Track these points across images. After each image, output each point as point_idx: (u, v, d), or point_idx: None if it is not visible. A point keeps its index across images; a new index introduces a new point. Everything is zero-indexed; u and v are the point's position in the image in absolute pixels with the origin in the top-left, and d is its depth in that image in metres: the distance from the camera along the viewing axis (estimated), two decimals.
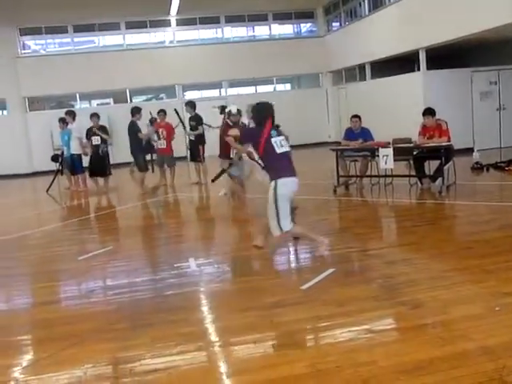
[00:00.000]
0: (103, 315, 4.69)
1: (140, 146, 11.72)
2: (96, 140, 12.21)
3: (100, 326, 4.39)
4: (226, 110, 9.34)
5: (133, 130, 11.58)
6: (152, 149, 12.38)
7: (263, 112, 5.72)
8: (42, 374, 3.64)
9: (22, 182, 16.95)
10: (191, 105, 12.29)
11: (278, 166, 5.54)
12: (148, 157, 12.26)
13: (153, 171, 12.25)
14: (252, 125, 6.75)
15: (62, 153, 13.02)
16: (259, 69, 19.58)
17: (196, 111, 12.22)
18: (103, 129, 12.46)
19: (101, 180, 12.57)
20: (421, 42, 14.03)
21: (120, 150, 15.49)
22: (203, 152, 12.13)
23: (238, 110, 9.19)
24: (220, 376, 3.45)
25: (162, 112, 12.38)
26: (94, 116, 12.44)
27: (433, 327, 3.90)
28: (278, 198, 5.39)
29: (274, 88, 21.26)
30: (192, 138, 12.21)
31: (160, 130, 12.12)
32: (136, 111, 11.76)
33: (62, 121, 13.05)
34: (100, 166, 12.30)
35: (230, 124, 8.90)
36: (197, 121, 12.11)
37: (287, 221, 5.48)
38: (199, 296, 5.09)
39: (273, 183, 5.45)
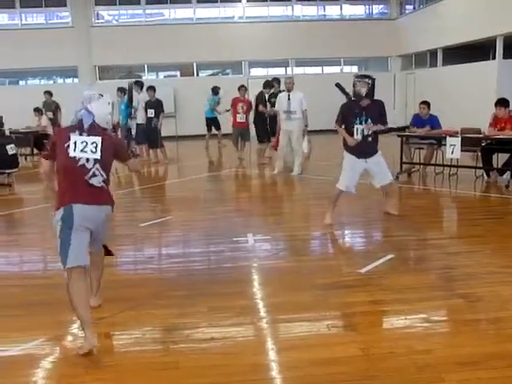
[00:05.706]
0: (161, 282, 4.83)
1: (262, 117, 11.84)
2: (150, 113, 12.41)
3: (158, 292, 4.51)
4: None
5: (259, 100, 11.78)
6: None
7: None
8: (101, 333, 3.77)
9: None
10: (269, 85, 12.02)
11: None
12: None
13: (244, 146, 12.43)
14: None
15: (118, 123, 13.25)
16: (327, 49, 19.32)
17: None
18: (159, 103, 12.59)
19: (153, 151, 12.80)
20: (499, 28, 13.45)
21: (185, 123, 15.57)
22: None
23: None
24: (272, 350, 3.49)
25: (243, 87, 12.51)
26: (151, 89, 12.57)
27: (491, 323, 3.82)
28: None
29: (341, 69, 20.94)
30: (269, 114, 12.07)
31: (240, 105, 12.17)
32: (267, 85, 11.83)
33: (121, 90, 13.26)
34: (151, 138, 12.53)
35: None
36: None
37: None
38: (255, 271, 5.14)
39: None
